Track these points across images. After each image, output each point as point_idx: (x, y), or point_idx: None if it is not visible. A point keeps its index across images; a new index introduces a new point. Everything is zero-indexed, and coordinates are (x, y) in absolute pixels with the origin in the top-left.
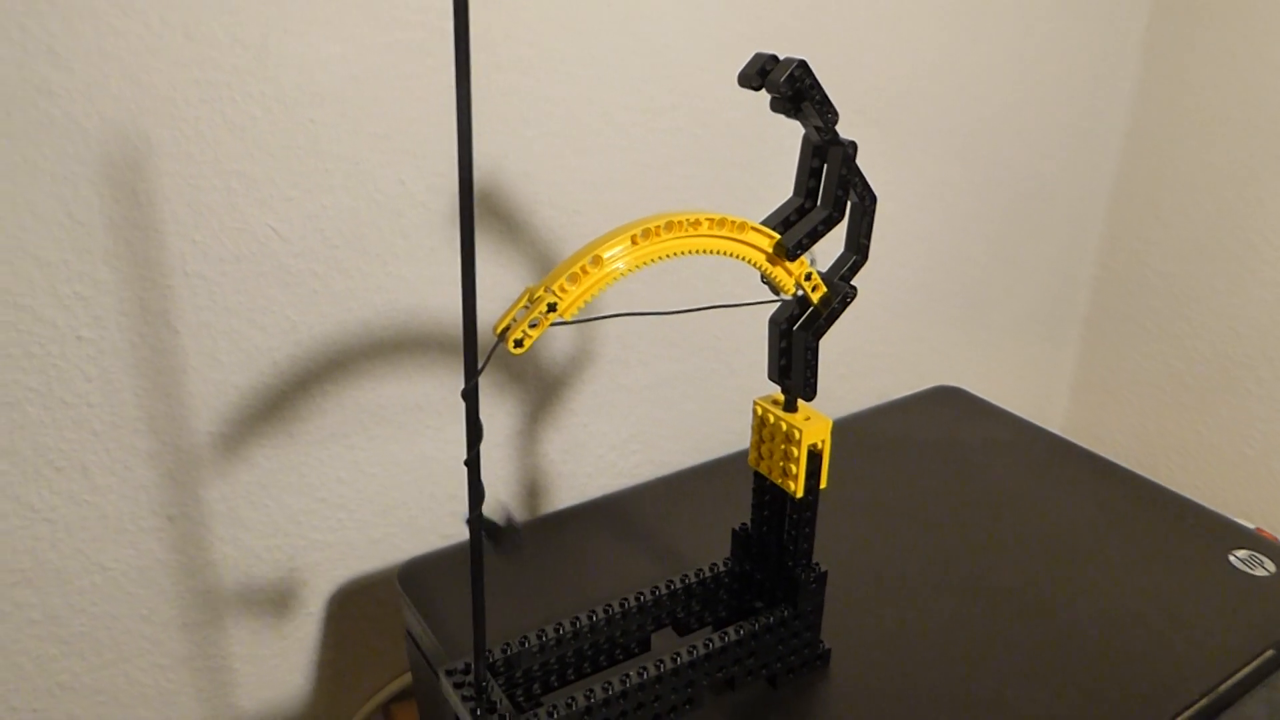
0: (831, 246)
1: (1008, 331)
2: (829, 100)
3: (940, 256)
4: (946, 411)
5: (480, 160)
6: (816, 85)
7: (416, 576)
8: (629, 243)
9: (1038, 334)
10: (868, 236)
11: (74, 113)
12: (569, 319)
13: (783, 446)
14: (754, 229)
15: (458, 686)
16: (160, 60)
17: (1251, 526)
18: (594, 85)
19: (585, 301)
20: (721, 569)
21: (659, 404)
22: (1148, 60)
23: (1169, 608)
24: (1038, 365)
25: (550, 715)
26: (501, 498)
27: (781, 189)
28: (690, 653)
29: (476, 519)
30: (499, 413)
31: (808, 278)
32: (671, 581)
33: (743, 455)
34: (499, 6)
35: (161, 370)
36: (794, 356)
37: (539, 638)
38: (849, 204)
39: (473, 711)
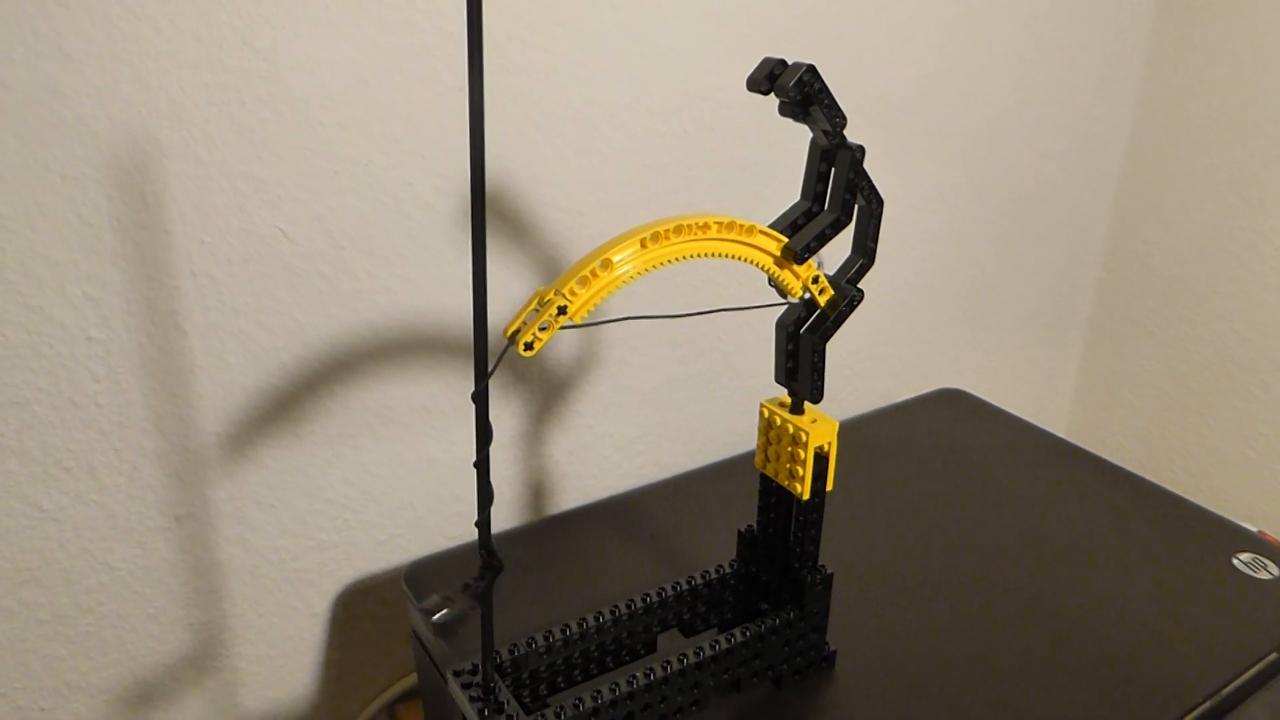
0: (837, 250)
1: (1011, 334)
2: (837, 105)
3: (944, 259)
4: (950, 414)
5: (487, 162)
6: (825, 90)
7: (423, 577)
8: (638, 246)
9: (1041, 336)
10: (875, 240)
11: (84, 115)
12: (579, 322)
13: (789, 449)
14: (762, 232)
15: (465, 687)
16: (170, 63)
17: (1254, 529)
18: (600, 88)
19: (595, 305)
20: (727, 570)
21: (664, 405)
22: (1151, 63)
23: (1173, 610)
24: (1041, 367)
25: (557, 716)
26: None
27: (786, 191)
28: (696, 654)
29: (485, 520)
30: (504, 414)
31: (815, 281)
32: (678, 583)
33: (748, 457)
34: (506, 9)
35: (169, 371)
36: (801, 359)
37: (545, 639)
38: (856, 207)
39: (481, 712)
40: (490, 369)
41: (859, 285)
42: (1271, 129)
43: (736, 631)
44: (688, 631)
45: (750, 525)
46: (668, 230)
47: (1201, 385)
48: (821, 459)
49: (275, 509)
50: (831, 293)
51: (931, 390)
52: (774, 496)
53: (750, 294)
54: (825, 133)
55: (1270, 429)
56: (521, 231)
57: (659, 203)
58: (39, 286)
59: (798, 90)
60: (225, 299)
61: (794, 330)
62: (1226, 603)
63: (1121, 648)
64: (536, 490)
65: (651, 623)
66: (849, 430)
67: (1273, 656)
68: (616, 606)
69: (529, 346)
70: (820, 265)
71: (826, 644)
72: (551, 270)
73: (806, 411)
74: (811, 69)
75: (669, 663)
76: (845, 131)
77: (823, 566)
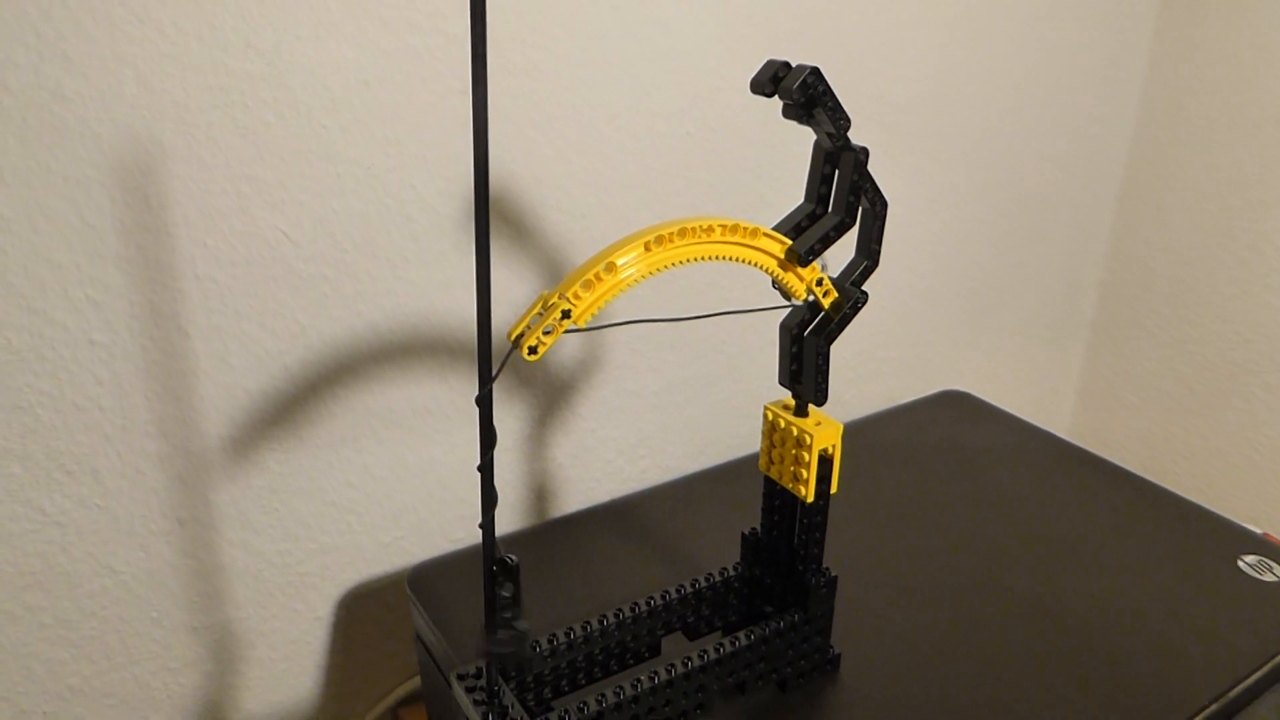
0: (840, 252)
1: (1014, 336)
2: (841, 107)
3: (946, 261)
4: (953, 416)
5: (490, 164)
6: (829, 92)
7: (426, 580)
8: (642, 249)
9: (1044, 338)
10: (879, 242)
11: (87, 117)
12: (583, 326)
13: (793, 451)
14: (766, 235)
15: (470, 691)
16: (173, 65)
17: (1259, 531)
18: (603, 90)
19: (599, 308)
20: (731, 573)
21: (667, 408)
22: (1153, 64)
23: (1178, 613)
24: (1044, 369)
25: (562, 719)
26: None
27: (789, 193)
28: (701, 657)
29: (489, 523)
30: (507, 417)
31: (819, 283)
32: (682, 586)
33: (751, 459)
34: (509, 11)
35: (172, 374)
36: (805, 362)
37: (550, 642)
38: (860, 209)
39: (485, 716)
40: (494, 373)
41: (863, 287)
42: (1274, 130)
43: (741, 635)
44: (692, 635)
45: (754, 528)
46: (672, 233)
47: (1204, 387)
48: (826, 462)
49: (278, 512)
50: (835, 295)
51: (934, 392)
52: (778, 499)
53: (753, 296)
54: (829, 135)
55: (1273, 430)
56: (524, 234)
57: (661, 205)
58: (42, 289)
59: (802, 93)
60: (228, 302)
61: (798, 333)
62: (1232, 605)
63: (1127, 651)
64: (539, 493)
65: (656, 626)
66: (852, 432)
67: (1279, 659)
68: (620, 610)
69: (533, 350)
70: (824, 267)
71: (831, 647)
72: (554, 272)
73: (810, 414)
74: (815, 71)
75: (673, 666)
76: (848, 133)
77: (827, 569)
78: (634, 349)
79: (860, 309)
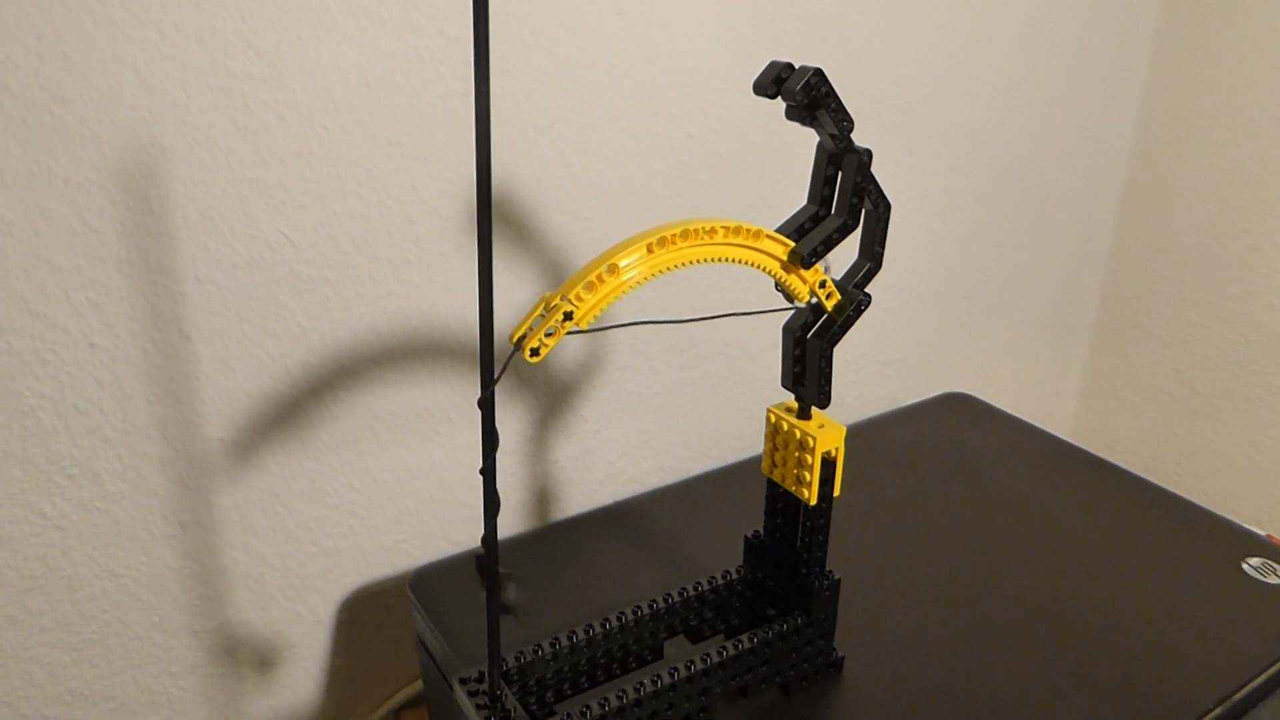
0: (843, 254)
1: (1016, 337)
2: (845, 108)
3: (949, 263)
4: (955, 418)
5: (492, 166)
6: (832, 93)
7: (428, 584)
8: (645, 251)
9: (1046, 340)
10: (882, 244)
11: (88, 119)
12: (585, 328)
13: (796, 454)
14: (769, 237)
15: (472, 695)
16: (174, 67)
17: (1262, 534)
18: (605, 91)
19: (601, 310)
20: (734, 576)
21: (669, 410)
22: (1155, 65)
23: (1183, 615)
24: (1046, 371)
25: None
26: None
27: (791, 195)
28: (704, 660)
29: (492, 527)
30: (509, 419)
31: (822, 285)
32: (684, 589)
33: (754, 461)
34: (510, 12)
35: (173, 377)
36: (808, 364)
37: (552, 645)
38: (863, 211)
39: (487, 719)
40: (496, 375)
41: (866, 290)
42: (1276, 130)
43: (744, 638)
44: (695, 638)
45: (757, 531)
46: (674, 235)
47: (1207, 388)
48: (829, 464)
49: (280, 515)
50: (839, 297)
51: (937, 394)
52: (781, 502)
53: (755, 298)
54: (832, 136)
55: (1277, 432)
56: (525, 236)
57: (663, 207)
58: (43, 292)
59: (805, 94)
60: (229, 304)
61: (801, 335)
62: (1237, 608)
63: (1131, 653)
64: (541, 496)
65: (658, 629)
66: (854, 435)
67: None
68: (623, 613)
69: (535, 352)
70: (827, 269)
71: (834, 650)
72: (555, 274)
73: (814, 417)
74: (819, 72)
75: (676, 669)
76: (851, 135)
77: (830, 572)
78: (636, 350)
79: (863, 311)
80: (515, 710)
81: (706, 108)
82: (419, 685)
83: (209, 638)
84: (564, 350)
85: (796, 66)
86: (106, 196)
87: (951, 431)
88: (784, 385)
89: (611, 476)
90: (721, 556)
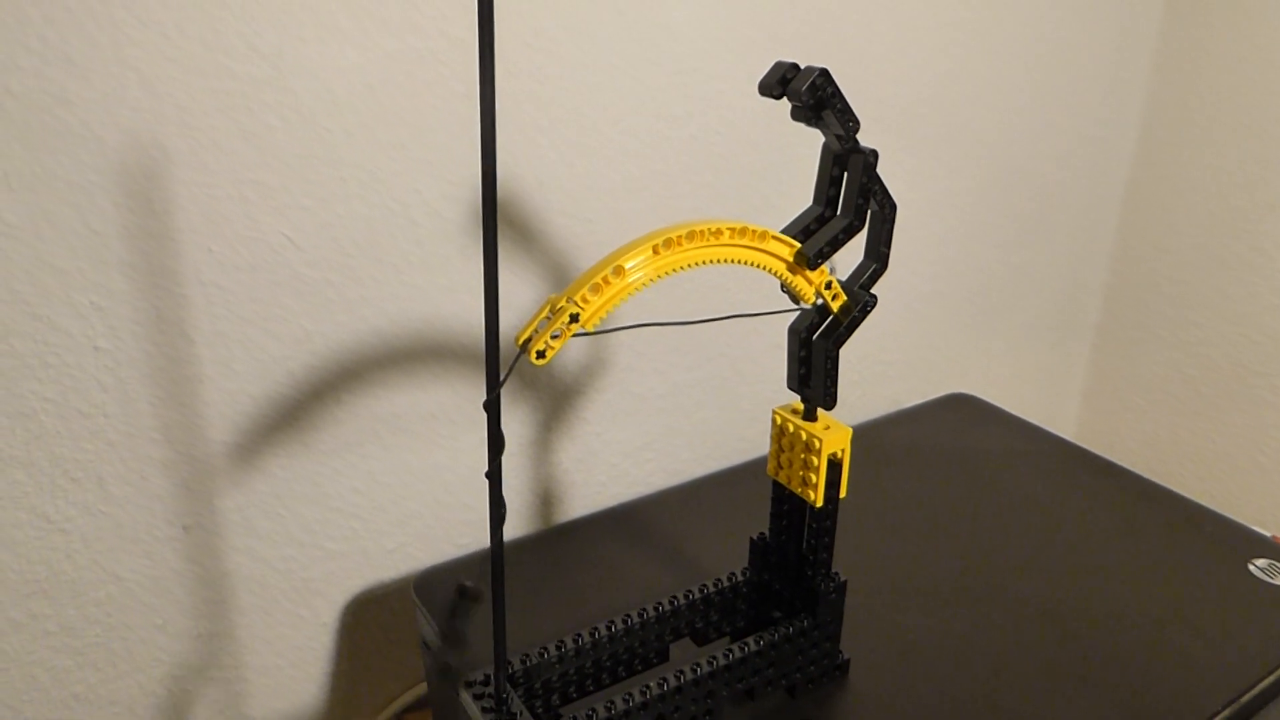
0: (848, 255)
1: (1020, 338)
2: (850, 109)
3: (952, 263)
4: (959, 419)
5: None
6: (838, 94)
7: (432, 587)
8: (650, 253)
9: (1050, 341)
10: (888, 245)
11: (91, 122)
12: (591, 330)
13: (802, 455)
14: (775, 238)
15: (478, 698)
16: (177, 69)
17: (1268, 534)
18: (609, 93)
19: (607, 312)
20: (740, 579)
21: (673, 412)
22: (1159, 67)
23: (1189, 617)
24: (1049, 372)
25: None
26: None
27: (796, 196)
28: (710, 663)
29: (499, 528)
30: (512, 421)
31: (828, 286)
32: (690, 591)
33: (758, 463)
34: (512, 14)
35: (177, 380)
36: (814, 365)
37: (558, 648)
38: (869, 212)
39: None
40: (502, 378)
41: (872, 291)
42: (1279, 131)
43: (750, 640)
44: (700, 640)
45: (762, 533)
46: (680, 236)
47: (1211, 389)
48: (835, 466)
49: (283, 518)
50: (844, 298)
51: (940, 395)
52: (786, 504)
53: (760, 299)
54: (838, 137)
55: None
56: (529, 238)
57: (667, 209)
58: (46, 296)
59: (810, 94)
60: (233, 307)
61: (806, 336)
62: (1243, 609)
63: (1137, 655)
64: (545, 499)
65: (664, 631)
66: (858, 436)
67: None
68: (628, 615)
69: (541, 355)
70: (833, 270)
71: (840, 652)
72: (559, 277)
73: (819, 418)
74: (824, 73)
75: (682, 672)
76: (856, 135)
77: (836, 574)
78: (640, 352)
79: (869, 312)
80: (521, 714)
81: (709, 109)
82: (423, 688)
83: (212, 642)
84: (566, 352)
85: (802, 67)
86: (109, 199)
87: (954, 433)
88: (790, 387)
89: (615, 479)
90: (726, 559)
